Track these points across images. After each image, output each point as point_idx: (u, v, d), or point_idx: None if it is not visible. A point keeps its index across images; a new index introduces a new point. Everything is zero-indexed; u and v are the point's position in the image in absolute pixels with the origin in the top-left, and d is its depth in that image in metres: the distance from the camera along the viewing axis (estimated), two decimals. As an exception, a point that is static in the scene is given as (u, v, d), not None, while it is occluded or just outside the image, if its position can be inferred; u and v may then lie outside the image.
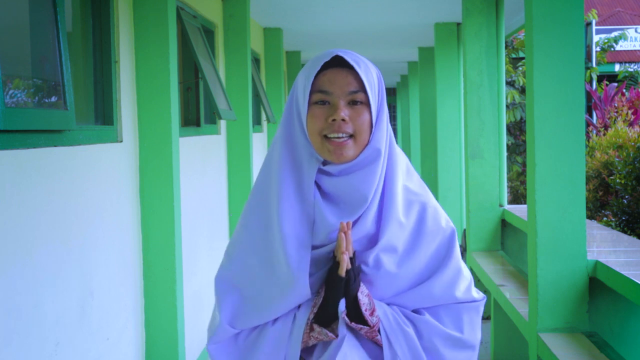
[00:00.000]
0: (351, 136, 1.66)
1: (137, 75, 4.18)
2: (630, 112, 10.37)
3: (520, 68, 14.03)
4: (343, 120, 1.64)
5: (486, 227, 6.19)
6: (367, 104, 1.66)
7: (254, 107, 8.06)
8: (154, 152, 4.19)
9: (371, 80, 1.67)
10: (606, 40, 17.75)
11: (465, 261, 1.82)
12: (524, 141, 13.20)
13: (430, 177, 10.11)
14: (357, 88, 1.66)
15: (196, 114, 5.80)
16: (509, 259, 5.83)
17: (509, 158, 12.54)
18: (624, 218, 7.03)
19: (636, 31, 21.55)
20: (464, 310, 1.74)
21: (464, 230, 6.90)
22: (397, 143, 1.76)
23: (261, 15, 8.51)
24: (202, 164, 5.81)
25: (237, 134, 6.73)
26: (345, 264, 1.60)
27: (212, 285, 5.85)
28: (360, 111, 1.66)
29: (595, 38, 17.13)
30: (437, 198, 1.82)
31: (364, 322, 1.65)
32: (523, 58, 14.17)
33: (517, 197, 12.39)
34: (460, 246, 1.80)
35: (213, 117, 6.25)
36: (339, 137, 1.65)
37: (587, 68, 15.83)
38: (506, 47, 13.39)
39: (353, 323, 1.65)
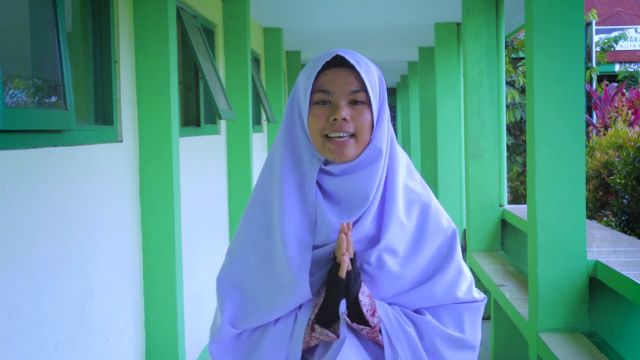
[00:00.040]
0: (352, 135, 1.66)
1: (137, 75, 4.18)
2: (630, 112, 10.37)
3: (520, 68, 14.03)
4: (344, 119, 1.64)
5: (486, 227, 6.19)
6: (368, 103, 1.66)
7: (254, 107, 8.06)
8: (154, 152, 4.19)
9: (372, 79, 1.67)
10: (606, 40, 17.75)
11: (465, 261, 1.82)
12: (524, 141, 13.20)
13: (430, 177, 10.11)
14: (358, 87, 1.66)
15: (196, 114, 5.80)
16: (509, 259, 5.83)
17: (509, 158, 12.54)
18: (624, 218, 7.03)
19: (636, 31, 21.55)
20: (464, 311, 1.74)
21: (464, 230, 6.90)
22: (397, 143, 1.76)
23: (261, 15, 8.51)
24: (202, 164, 5.81)
25: (237, 134, 6.73)
26: (345, 266, 1.60)
27: (212, 285, 5.85)
28: (361, 111, 1.66)
29: (595, 38, 17.13)
30: (437, 198, 1.83)
31: (365, 322, 1.65)
32: (523, 58, 14.17)
33: (517, 197, 12.39)
34: (461, 246, 1.79)
35: (213, 117, 6.25)
36: (340, 137, 1.65)
37: (587, 68, 15.83)
38: (506, 47, 13.38)
39: (354, 324, 1.65)
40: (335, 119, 1.64)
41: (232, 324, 1.70)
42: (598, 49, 17.38)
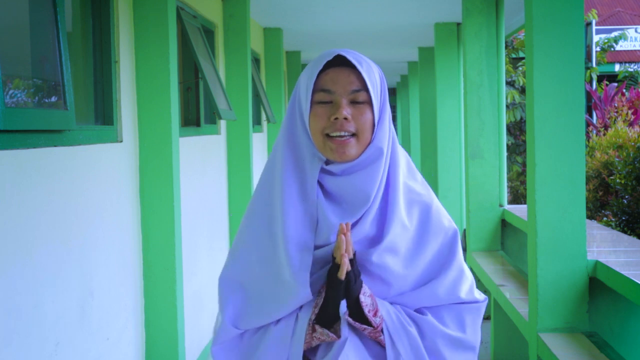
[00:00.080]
0: (353, 135, 1.66)
1: (137, 75, 4.18)
2: (630, 112, 10.38)
3: (520, 68, 14.03)
4: (345, 118, 1.64)
5: (486, 227, 6.19)
6: (370, 103, 1.67)
7: (254, 107, 8.06)
8: (154, 152, 4.19)
9: (373, 79, 1.67)
10: (606, 40, 17.75)
11: (465, 261, 1.82)
12: (524, 141, 13.20)
13: (430, 177, 10.11)
14: (360, 87, 1.66)
15: (196, 114, 5.80)
16: (509, 259, 5.83)
17: (509, 158, 12.54)
18: (624, 218, 7.03)
19: (636, 31, 21.55)
20: (466, 312, 1.74)
21: (464, 230, 6.90)
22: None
23: (261, 15, 8.51)
24: (202, 164, 5.81)
25: (237, 134, 6.73)
26: (345, 267, 1.60)
27: (212, 285, 5.86)
28: (362, 110, 1.66)
29: (595, 38, 17.13)
30: (437, 198, 1.83)
31: (367, 322, 1.65)
32: (523, 58, 14.17)
33: (517, 197, 12.39)
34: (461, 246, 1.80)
35: (213, 117, 6.25)
36: (341, 136, 1.65)
37: (587, 68, 15.83)
38: (506, 47, 13.39)
39: (357, 323, 1.65)
40: (336, 118, 1.64)
41: (234, 324, 1.70)
42: (598, 49, 17.38)
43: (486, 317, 5.98)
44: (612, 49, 17.98)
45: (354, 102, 1.66)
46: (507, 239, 6.18)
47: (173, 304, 4.25)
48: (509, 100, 13.27)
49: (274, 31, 9.43)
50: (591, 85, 15.48)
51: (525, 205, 5.42)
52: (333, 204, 1.67)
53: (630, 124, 9.92)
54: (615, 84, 13.15)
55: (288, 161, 1.69)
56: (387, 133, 1.69)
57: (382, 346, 1.69)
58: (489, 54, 6.24)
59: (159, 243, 4.22)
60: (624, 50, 20.83)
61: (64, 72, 3.04)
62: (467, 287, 1.75)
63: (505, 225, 6.20)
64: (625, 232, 6.85)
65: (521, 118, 13.46)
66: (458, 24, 9.07)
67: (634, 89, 13.17)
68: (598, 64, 16.99)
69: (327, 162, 1.69)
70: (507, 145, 12.14)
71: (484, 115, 6.20)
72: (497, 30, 6.32)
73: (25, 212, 2.81)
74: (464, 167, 7.87)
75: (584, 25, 3.82)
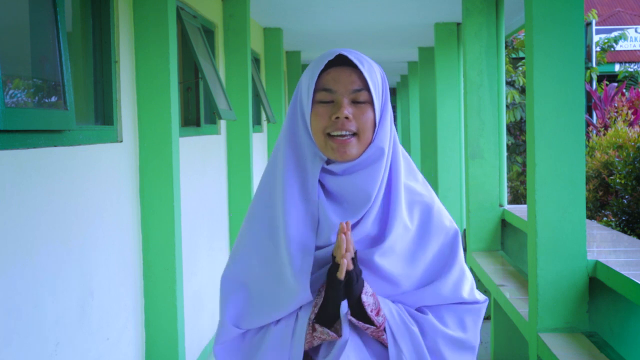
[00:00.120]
0: (354, 134, 1.66)
1: (137, 75, 4.18)
2: (630, 112, 10.38)
3: (520, 68, 14.03)
4: (346, 118, 1.64)
5: (486, 227, 6.19)
6: (371, 102, 1.67)
7: (254, 107, 8.06)
8: (154, 152, 4.19)
9: (375, 79, 1.67)
10: (606, 40, 17.75)
11: (465, 261, 1.82)
12: (524, 141, 13.20)
13: (430, 177, 10.12)
14: (361, 87, 1.66)
15: (196, 114, 5.80)
16: (509, 259, 5.83)
17: (509, 158, 12.54)
18: (624, 218, 7.03)
19: (636, 31, 21.55)
20: (467, 312, 1.74)
21: (464, 230, 6.90)
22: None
23: (261, 15, 8.51)
24: (202, 164, 5.81)
25: (237, 134, 6.73)
26: (344, 267, 1.59)
27: (212, 285, 5.86)
28: (363, 109, 1.66)
29: (595, 38, 17.13)
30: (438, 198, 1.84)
31: (370, 322, 1.65)
32: (523, 58, 14.17)
33: (517, 197, 12.39)
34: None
35: (213, 117, 6.25)
36: (342, 135, 1.65)
37: (587, 68, 15.84)
38: (506, 47, 13.39)
39: (360, 322, 1.64)
40: (337, 118, 1.64)
41: (235, 324, 1.70)
42: (598, 49, 17.38)
43: (486, 317, 5.98)
44: (612, 49, 17.98)
45: (355, 102, 1.66)
46: (507, 239, 6.18)
47: (173, 304, 4.25)
48: (509, 100, 13.27)
49: (274, 31, 9.43)
50: (591, 85, 15.48)
51: (525, 205, 5.42)
52: (334, 204, 1.67)
53: (630, 124, 9.92)
54: (615, 84, 13.15)
55: (289, 161, 1.69)
56: (388, 133, 1.69)
57: (384, 345, 1.69)
58: (489, 54, 6.24)
59: (159, 243, 4.22)
60: (624, 50, 20.83)
61: (64, 72, 3.04)
62: (469, 288, 1.75)
63: (505, 225, 6.20)
64: (625, 232, 6.85)
65: (521, 118, 13.46)
66: (458, 24, 9.07)
67: (634, 89, 13.17)
68: (598, 64, 16.99)
69: (328, 162, 1.69)
70: (507, 145, 12.14)
71: (484, 115, 6.20)
72: (497, 30, 6.32)
73: (25, 212, 2.81)
74: (464, 167, 7.87)
75: (584, 25, 3.82)
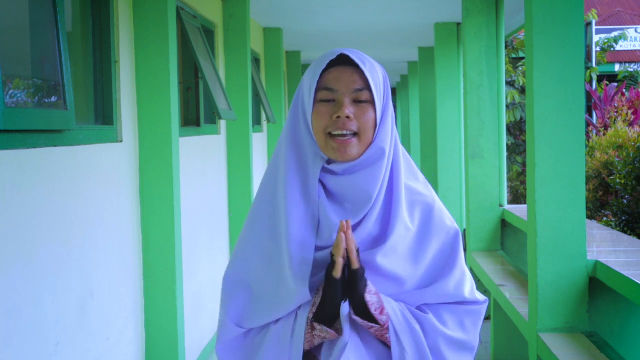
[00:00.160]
0: (355, 134, 1.66)
1: (137, 75, 4.18)
2: (630, 112, 10.38)
3: (520, 68, 14.03)
4: (348, 117, 1.64)
5: (486, 227, 6.19)
6: (372, 102, 1.67)
7: (254, 107, 8.06)
8: (154, 152, 4.19)
9: (376, 79, 1.67)
10: (606, 40, 17.76)
11: (465, 261, 1.82)
12: (524, 141, 13.20)
13: (430, 177, 10.11)
14: (363, 86, 1.66)
15: (196, 114, 5.80)
16: (509, 259, 5.83)
17: (509, 158, 12.54)
18: (624, 218, 7.03)
19: (636, 31, 21.55)
20: (467, 314, 1.74)
21: (464, 230, 6.90)
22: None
23: (261, 15, 8.51)
24: (202, 164, 5.81)
25: (237, 134, 6.73)
26: (340, 266, 1.59)
27: (212, 285, 5.87)
28: (365, 109, 1.66)
29: (595, 38, 17.13)
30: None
31: (374, 321, 1.64)
32: (523, 58, 14.17)
33: (517, 197, 12.39)
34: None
35: (213, 117, 6.25)
36: (343, 135, 1.65)
37: (587, 68, 15.84)
38: (506, 47, 13.39)
39: (365, 322, 1.64)
40: (338, 117, 1.65)
41: (237, 323, 1.71)
42: (598, 49, 17.38)
43: (486, 317, 5.98)
44: (612, 49, 17.98)
45: (356, 101, 1.67)
46: (507, 239, 6.18)
47: (173, 304, 4.25)
48: (509, 100, 13.27)
49: (274, 31, 9.44)
50: (591, 85, 15.48)
51: (525, 205, 5.42)
52: (335, 204, 1.67)
53: (630, 124, 9.93)
54: (615, 84, 13.15)
55: (291, 160, 1.69)
56: (389, 133, 1.69)
57: (384, 345, 1.69)
58: (489, 54, 6.24)
59: (159, 243, 4.22)
60: (624, 50, 20.84)
61: (64, 72, 3.04)
62: (469, 287, 1.76)
63: (505, 225, 6.20)
64: (625, 232, 6.85)
65: (521, 118, 13.46)
66: (458, 24, 9.07)
67: (634, 89, 13.17)
68: (598, 64, 16.99)
69: (329, 162, 1.69)
70: (507, 145, 12.14)
71: (484, 115, 6.20)
72: (497, 30, 6.32)
73: (25, 212, 2.81)
74: (464, 167, 7.88)
75: (584, 25, 3.82)
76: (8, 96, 2.72)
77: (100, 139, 3.67)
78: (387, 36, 10.69)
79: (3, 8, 2.94)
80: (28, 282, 2.80)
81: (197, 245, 5.45)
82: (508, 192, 11.75)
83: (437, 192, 8.97)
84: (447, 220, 1.76)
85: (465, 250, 6.50)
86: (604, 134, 9.11)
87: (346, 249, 1.60)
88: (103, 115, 3.87)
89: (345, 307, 1.64)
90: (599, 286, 3.74)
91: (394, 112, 1.74)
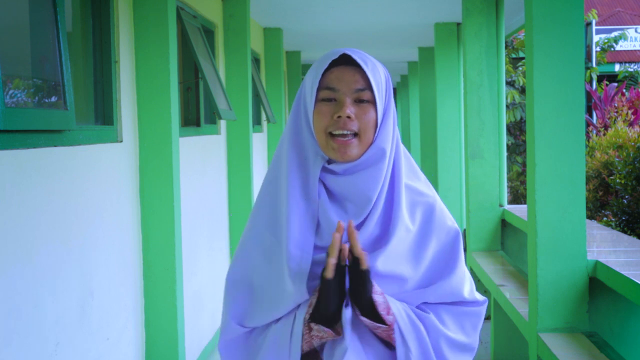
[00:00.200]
0: (355, 135, 1.66)
1: (137, 75, 4.18)
2: (630, 112, 10.38)
3: (520, 68, 14.03)
4: (348, 117, 1.64)
5: (486, 227, 6.19)
6: (374, 102, 1.66)
7: (254, 107, 8.06)
8: (154, 152, 4.19)
9: (378, 79, 1.67)
10: (606, 40, 17.76)
11: (465, 261, 1.82)
12: (524, 141, 13.21)
13: (430, 177, 10.12)
14: (364, 86, 1.66)
15: (196, 114, 5.80)
16: (509, 259, 5.83)
17: (509, 158, 12.54)
18: (624, 218, 7.04)
19: (636, 31, 21.56)
20: (467, 315, 1.74)
21: (464, 230, 6.90)
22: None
23: (261, 15, 8.51)
24: (202, 164, 5.81)
25: (237, 134, 6.73)
26: (331, 267, 1.58)
27: (212, 285, 5.87)
28: (366, 109, 1.66)
29: (595, 38, 17.14)
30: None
31: (381, 321, 1.64)
32: (523, 58, 14.17)
33: (517, 197, 12.39)
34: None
35: (213, 117, 6.25)
36: (343, 135, 1.65)
37: (587, 68, 15.84)
38: (506, 47, 13.39)
39: (372, 322, 1.63)
40: (339, 117, 1.64)
41: (239, 322, 1.71)
42: (598, 49, 17.39)
43: (486, 317, 5.98)
44: (612, 49, 17.99)
45: (358, 101, 1.66)
46: (507, 239, 6.18)
47: (173, 304, 4.25)
48: (509, 100, 13.27)
49: (274, 31, 9.44)
50: (591, 85, 15.49)
51: (525, 205, 5.42)
52: (336, 205, 1.67)
53: (630, 124, 9.93)
54: (615, 84, 13.15)
55: (292, 159, 1.69)
56: (390, 134, 1.68)
57: (386, 346, 1.68)
58: (489, 54, 6.24)
59: (159, 243, 4.22)
60: (624, 50, 20.84)
61: (64, 72, 3.04)
62: (469, 288, 1.76)
63: (505, 225, 6.20)
64: (625, 232, 6.85)
65: (521, 118, 13.46)
66: (458, 24, 9.07)
67: (634, 89, 13.17)
68: (598, 64, 16.99)
69: (330, 162, 1.69)
70: (507, 145, 12.15)
71: (484, 115, 6.20)
72: (497, 30, 6.32)
73: (25, 212, 2.81)
74: (464, 167, 7.88)
75: (584, 25, 3.82)
76: (8, 96, 2.72)
77: (100, 139, 3.67)
78: (387, 36, 10.69)
79: (3, 8, 2.94)
80: (28, 282, 2.80)
81: (197, 245, 5.45)
82: (508, 192, 11.75)
83: (437, 192, 8.98)
84: (448, 220, 1.76)
85: (465, 250, 6.50)
86: (604, 134, 9.11)
87: (350, 250, 1.60)
88: (103, 115, 3.87)
89: (347, 312, 1.63)
90: (599, 286, 3.74)
91: (396, 113, 1.73)
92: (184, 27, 5.19)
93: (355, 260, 1.60)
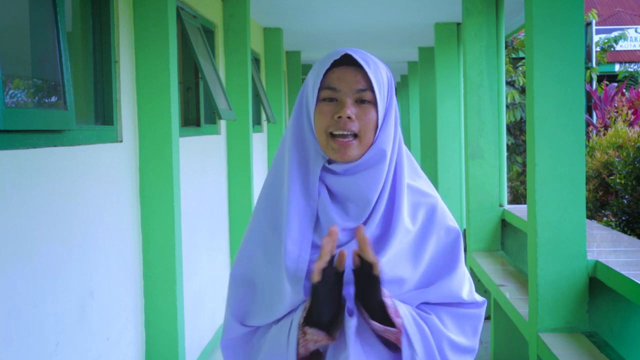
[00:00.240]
0: (355, 136, 1.65)
1: (137, 75, 4.18)
2: (630, 112, 10.38)
3: (520, 68, 14.04)
4: (349, 117, 1.64)
5: (486, 227, 6.19)
6: (375, 103, 1.66)
7: (254, 107, 8.06)
8: (154, 152, 4.19)
9: (380, 80, 1.66)
10: (606, 40, 17.76)
11: (465, 261, 1.82)
12: (524, 141, 13.21)
13: (430, 177, 10.08)
14: (365, 87, 1.65)
15: (196, 114, 5.80)
16: (509, 259, 5.83)
17: (509, 158, 12.54)
18: (624, 218, 7.04)
19: (636, 31, 21.56)
20: (467, 317, 1.73)
21: (464, 230, 6.90)
22: None
23: (261, 15, 8.51)
24: (202, 164, 5.81)
25: (237, 134, 6.73)
26: (317, 271, 1.57)
27: (212, 285, 5.87)
28: (366, 110, 1.65)
29: (595, 38, 17.14)
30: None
31: (391, 324, 1.63)
32: (523, 58, 14.17)
33: (517, 197, 12.39)
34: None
35: (213, 117, 6.25)
36: (343, 135, 1.64)
37: (587, 68, 15.84)
38: (506, 47, 13.39)
39: (382, 326, 1.62)
40: (339, 117, 1.64)
41: (240, 321, 1.71)
42: (598, 49, 17.39)
43: (486, 317, 5.98)
44: (612, 49, 17.99)
45: (359, 102, 1.66)
46: (507, 239, 6.18)
47: (173, 304, 4.25)
48: (509, 100, 13.27)
49: (274, 31, 9.44)
50: (591, 85, 15.49)
51: (525, 205, 5.42)
52: (337, 205, 1.67)
53: (630, 124, 9.93)
54: (615, 84, 13.16)
55: (293, 159, 1.69)
56: (391, 135, 1.68)
57: (388, 349, 1.67)
58: (489, 54, 6.24)
59: (159, 243, 4.22)
60: (624, 50, 20.84)
61: (64, 72, 3.04)
62: (468, 289, 1.75)
63: (505, 225, 6.20)
64: (625, 232, 6.85)
65: (521, 118, 13.47)
66: (458, 24, 9.07)
67: (634, 89, 13.17)
68: (598, 64, 17.00)
69: (330, 161, 1.68)
70: (507, 145, 12.15)
71: (484, 115, 6.20)
72: (497, 30, 6.32)
73: (25, 212, 2.81)
74: (464, 167, 7.87)
75: (584, 25, 3.82)
76: (8, 96, 2.72)
77: (100, 139, 3.67)
78: (387, 36, 10.69)
79: (3, 8, 2.94)
80: (28, 282, 2.80)
81: (197, 245, 5.45)
82: (508, 192, 11.75)
83: (437, 192, 8.97)
84: (449, 220, 1.76)
85: (465, 250, 6.50)
86: (604, 134, 9.11)
87: (359, 255, 1.58)
88: (103, 115, 3.87)
89: (352, 321, 1.62)
90: (599, 286, 3.74)
91: (398, 113, 1.73)
92: (184, 27, 5.19)
93: (365, 265, 1.59)
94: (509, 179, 12.16)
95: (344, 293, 1.64)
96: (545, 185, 3.69)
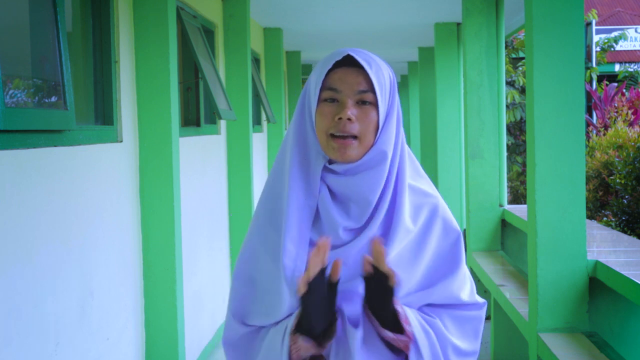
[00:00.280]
0: (355, 137, 1.65)
1: (137, 75, 4.18)
2: (630, 112, 10.38)
3: (520, 68, 14.04)
4: (349, 119, 1.63)
5: (486, 227, 6.19)
6: (376, 104, 1.65)
7: (254, 107, 8.06)
8: (154, 152, 4.19)
9: (382, 81, 1.66)
10: (606, 40, 17.76)
11: (465, 261, 1.81)
12: (524, 141, 13.21)
13: (430, 177, 10.08)
14: (367, 88, 1.65)
15: (196, 114, 5.80)
16: (509, 259, 5.83)
17: (509, 158, 12.54)
18: (624, 218, 7.04)
19: (636, 31, 21.56)
20: (468, 320, 1.73)
21: (464, 230, 6.90)
22: None
23: (261, 15, 8.51)
24: (202, 164, 5.81)
25: (237, 134, 6.73)
26: (302, 284, 1.54)
27: (212, 285, 5.87)
28: (367, 111, 1.65)
29: (595, 38, 17.14)
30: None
31: (401, 332, 1.62)
32: (523, 58, 14.17)
33: (517, 197, 12.39)
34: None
35: (213, 117, 6.25)
36: (343, 136, 1.64)
37: (587, 68, 15.84)
38: (506, 47, 13.39)
39: (392, 334, 1.61)
40: (340, 118, 1.64)
41: (240, 319, 1.71)
42: (598, 49, 17.39)
43: (486, 317, 5.98)
44: (612, 49, 17.99)
45: (360, 103, 1.65)
46: (507, 239, 6.18)
47: (173, 304, 4.25)
48: (509, 100, 13.27)
49: (274, 31, 9.44)
50: (591, 85, 15.49)
51: (525, 205, 5.42)
52: (338, 205, 1.67)
53: (630, 124, 9.93)
54: (615, 84, 13.16)
55: (295, 158, 1.69)
56: (392, 136, 1.67)
57: (391, 350, 1.66)
58: (489, 54, 6.24)
59: (159, 243, 4.22)
60: (624, 50, 20.84)
61: (64, 72, 3.04)
62: (469, 290, 1.75)
63: (505, 225, 6.20)
64: (625, 232, 6.85)
65: (521, 118, 13.47)
66: (458, 24, 9.07)
67: (634, 89, 13.18)
68: (598, 64, 17.00)
69: (331, 162, 1.68)
70: (507, 145, 12.15)
71: (484, 115, 6.20)
72: (497, 30, 6.32)
73: (25, 212, 2.81)
74: (464, 167, 7.87)
75: (584, 25, 3.82)
76: (8, 96, 2.72)
77: (100, 139, 3.67)
78: (387, 36, 10.69)
79: (3, 8, 2.94)
80: (28, 282, 2.80)
81: (197, 245, 5.45)
82: (508, 192, 11.75)
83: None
84: (450, 221, 1.75)
85: (465, 250, 6.49)
86: (604, 134, 9.11)
87: (374, 266, 1.55)
88: (103, 115, 3.87)
89: (358, 333, 1.60)
90: (599, 286, 3.74)
91: (400, 114, 1.72)
92: (184, 27, 5.19)
93: (379, 274, 1.56)
94: (509, 179, 12.16)
95: (344, 304, 1.63)
96: (545, 185, 3.69)
